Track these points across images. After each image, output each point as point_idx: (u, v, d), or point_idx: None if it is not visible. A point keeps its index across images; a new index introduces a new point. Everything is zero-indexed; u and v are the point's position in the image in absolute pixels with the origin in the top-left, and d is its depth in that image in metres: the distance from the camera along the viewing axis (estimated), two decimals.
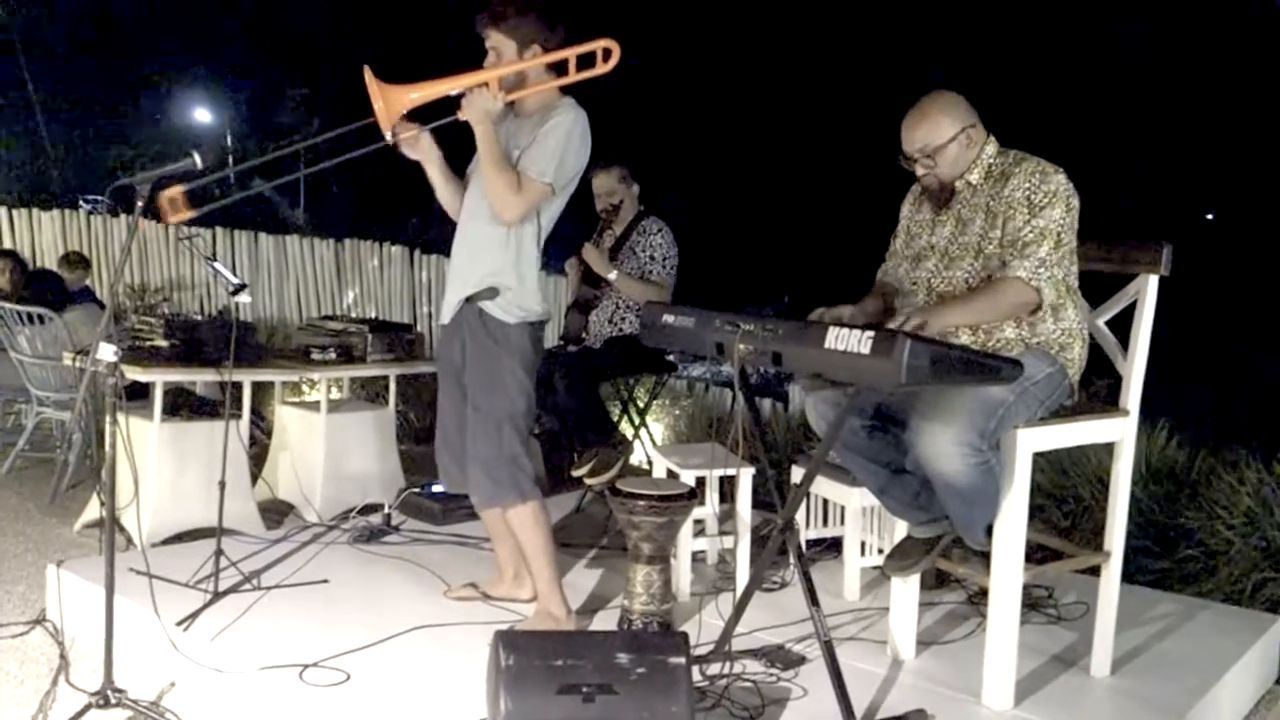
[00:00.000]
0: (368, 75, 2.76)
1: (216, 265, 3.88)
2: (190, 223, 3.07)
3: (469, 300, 3.02)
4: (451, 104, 2.91)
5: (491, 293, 2.98)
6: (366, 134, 2.94)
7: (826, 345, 2.28)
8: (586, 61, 2.91)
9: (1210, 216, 21.45)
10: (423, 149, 3.04)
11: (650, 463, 4.73)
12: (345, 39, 17.13)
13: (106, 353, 2.61)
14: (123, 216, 10.58)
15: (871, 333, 2.22)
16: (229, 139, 21.93)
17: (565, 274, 4.46)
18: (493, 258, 2.99)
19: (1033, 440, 2.64)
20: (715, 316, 2.62)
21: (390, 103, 2.79)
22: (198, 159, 2.63)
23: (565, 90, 3.02)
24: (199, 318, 4.69)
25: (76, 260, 6.65)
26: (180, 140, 19.35)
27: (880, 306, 2.88)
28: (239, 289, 3.73)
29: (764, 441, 3.04)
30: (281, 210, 18.05)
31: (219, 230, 10.06)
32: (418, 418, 6.76)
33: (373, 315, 9.65)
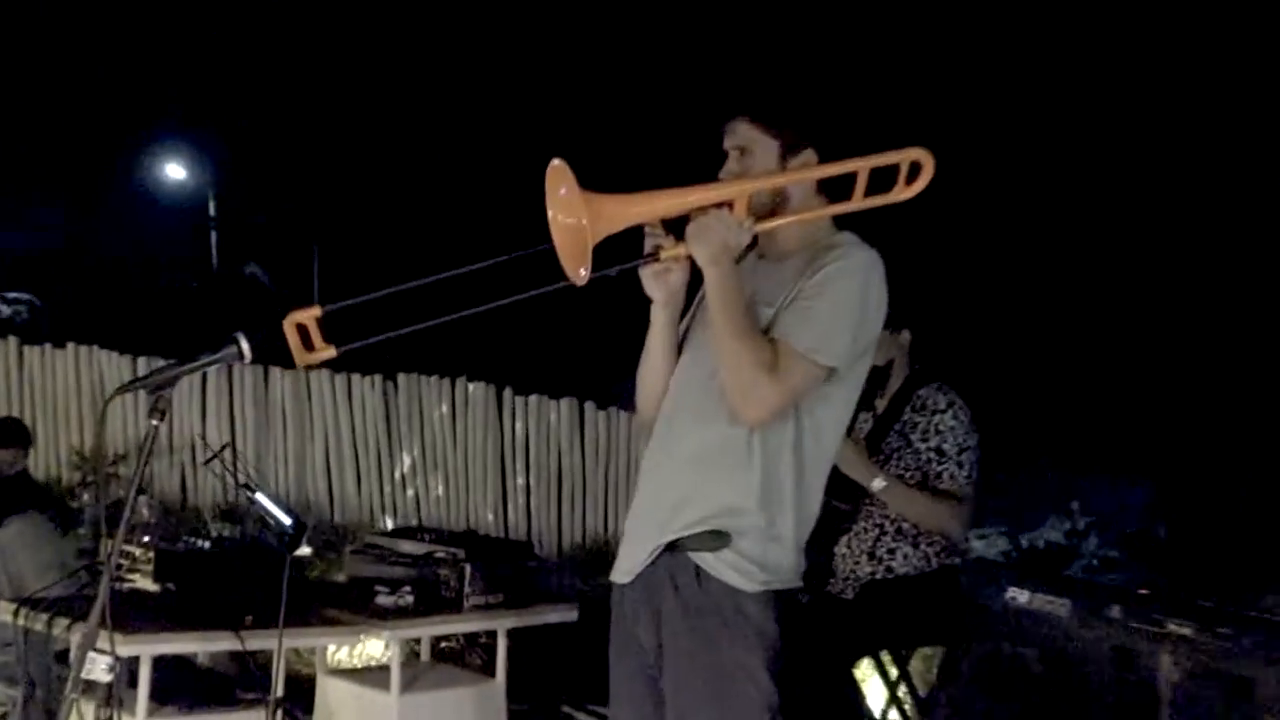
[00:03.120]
0: (563, 174, 2.65)
1: (260, 499, 3.81)
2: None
3: (674, 548, 2.88)
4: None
5: (718, 539, 2.83)
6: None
7: None
8: (881, 181, 2.83)
9: None
10: (672, 286, 2.94)
11: None
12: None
13: (99, 669, 2.73)
14: (69, 346, 10.94)
15: None
16: (212, 202, 23.29)
17: None
18: (725, 481, 2.86)
19: None
20: (1110, 602, 2.48)
21: (601, 218, 2.69)
22: (245, 348, 2.67)
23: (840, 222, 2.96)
24: (204, 545, 4.67)
25: (13, 434, 6.71)
26: (142, 207, 20.54)
27: None
28: (296, 536, 3.65)
29: None
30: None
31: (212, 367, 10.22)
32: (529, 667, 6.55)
33: (439, 489, 9.65)
